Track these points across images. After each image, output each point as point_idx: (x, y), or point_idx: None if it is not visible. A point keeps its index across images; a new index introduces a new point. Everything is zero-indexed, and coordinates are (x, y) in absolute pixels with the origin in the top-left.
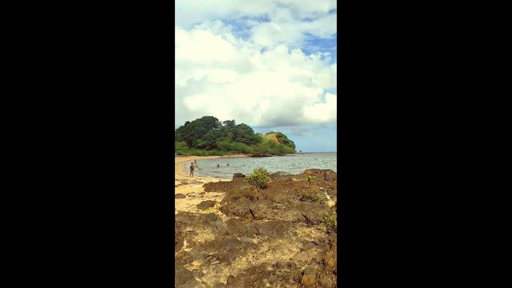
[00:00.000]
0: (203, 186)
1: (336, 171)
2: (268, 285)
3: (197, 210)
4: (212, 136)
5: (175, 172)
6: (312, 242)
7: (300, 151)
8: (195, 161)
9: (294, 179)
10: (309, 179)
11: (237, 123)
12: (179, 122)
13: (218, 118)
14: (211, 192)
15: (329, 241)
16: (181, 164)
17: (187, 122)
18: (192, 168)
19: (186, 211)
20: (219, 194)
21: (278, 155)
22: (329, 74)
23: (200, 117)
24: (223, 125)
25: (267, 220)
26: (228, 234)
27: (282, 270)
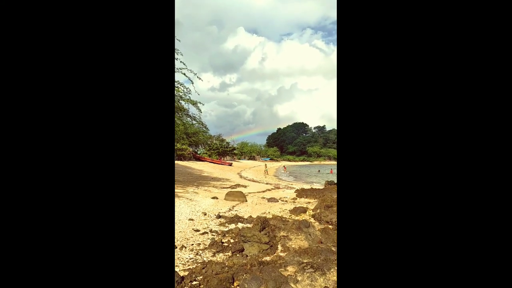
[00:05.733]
0: (295, 192)
1: None
2: None
3: (290, 216)
4: (302, 142)
5: (268, 176)
6: None
7: None
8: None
9: None
10: None
11: (328, 128)
12: (270, 128)
13: (308, 124)
14: (303, 198)
15: None
16: (273, 168)
17: (279, 129)
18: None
19: (280, 215)
20: (311, 201)
21: None
22: None
23: (290, 124)
24: (314, 131)
25: None
26: (322, 243)
27: None
